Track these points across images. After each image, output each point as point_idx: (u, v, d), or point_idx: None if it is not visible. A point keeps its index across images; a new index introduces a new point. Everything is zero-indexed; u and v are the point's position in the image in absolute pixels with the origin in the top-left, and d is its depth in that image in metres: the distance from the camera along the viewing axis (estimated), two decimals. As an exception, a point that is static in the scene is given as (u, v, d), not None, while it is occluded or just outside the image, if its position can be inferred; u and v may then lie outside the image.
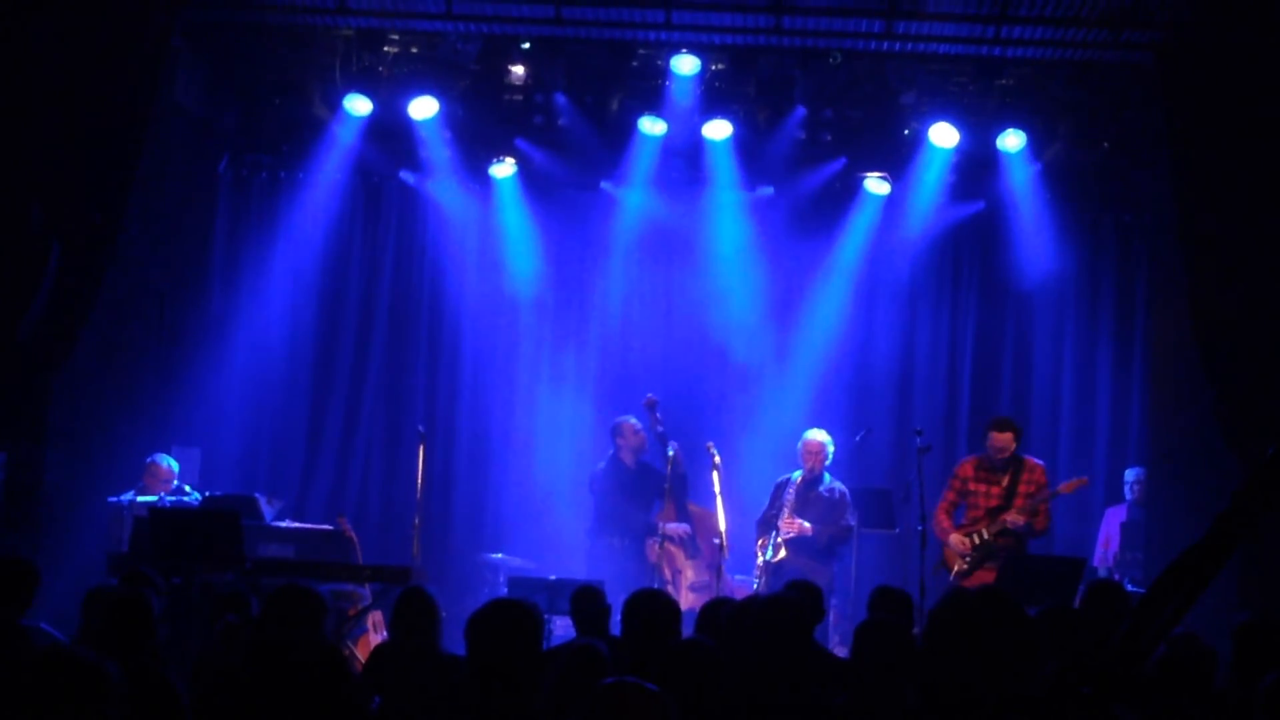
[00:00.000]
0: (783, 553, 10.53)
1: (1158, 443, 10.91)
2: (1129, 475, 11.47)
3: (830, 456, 10.82)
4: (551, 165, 12.35)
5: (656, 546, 10.83)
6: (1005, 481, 10.09)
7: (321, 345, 12.92)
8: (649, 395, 11.22)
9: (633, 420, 11.32)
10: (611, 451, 11.38)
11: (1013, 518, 9.90)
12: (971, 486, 10.22)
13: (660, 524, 10.87)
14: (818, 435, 10.86)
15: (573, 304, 13.03)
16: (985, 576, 9.70)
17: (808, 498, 10.73)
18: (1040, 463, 10.29)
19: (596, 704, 3.52)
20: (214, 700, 4.79)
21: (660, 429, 11.10)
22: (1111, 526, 11.35)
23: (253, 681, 3.64)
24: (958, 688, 2.85)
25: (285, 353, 12.77)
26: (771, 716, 4.43)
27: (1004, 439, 10.08)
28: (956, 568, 10.06)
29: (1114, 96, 11.46)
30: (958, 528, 10.17)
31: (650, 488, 11.19)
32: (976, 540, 10.03)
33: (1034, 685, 2.91)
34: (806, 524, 10.58)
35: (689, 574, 10.98)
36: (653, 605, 6.02)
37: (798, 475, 10.79)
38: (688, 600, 10.54)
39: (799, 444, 10.86)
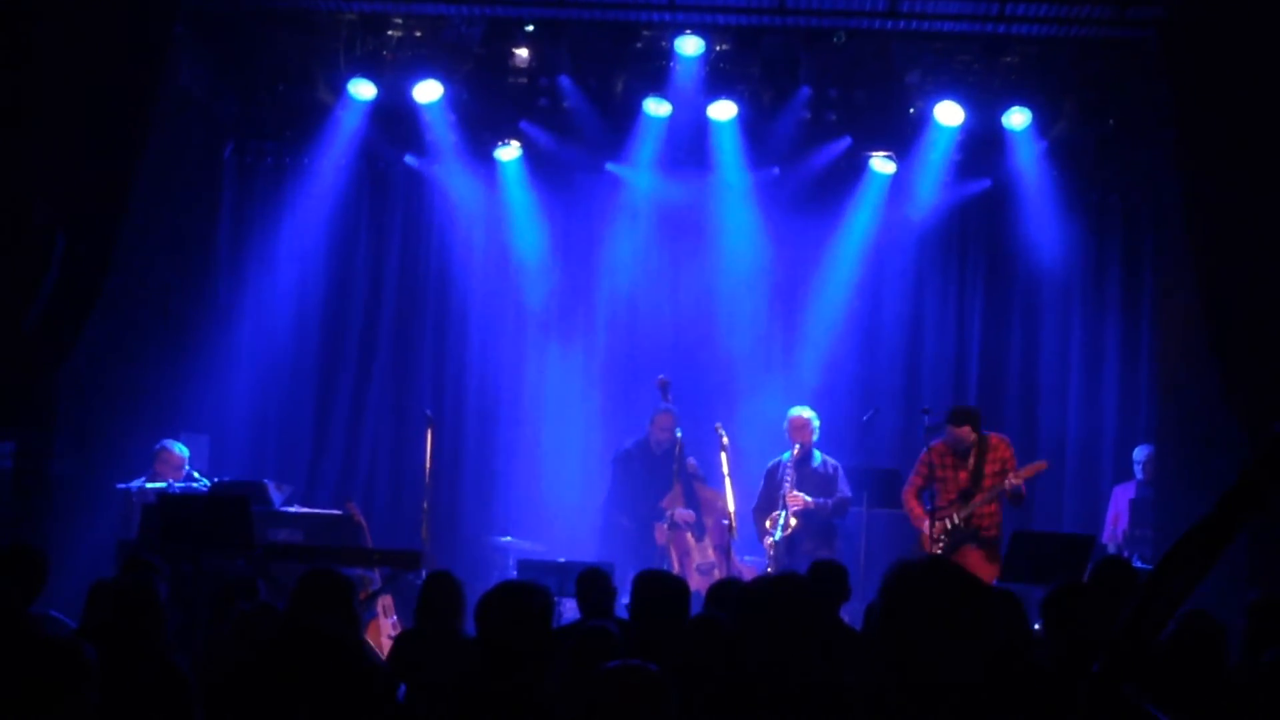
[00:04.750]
0: (793, 523, 10.55)
1: (1166, 420, 10.89)
2: (1138, 453, 11.45)
3: (817, 431, 10.85)
4: (557, 148, 12.32)
5: (665, 528, 10.86)
6: (971, 463, 10.19)
7: (328, 330, 12.91)
8: (661, 376, 11.21)
9: (668, 410, 11.23)
10: (642, 436, 11.36)
11: (1011, 480, 9.99)
12: (939, 473, 10.36)
13: (668, 509, 10.89)
14: (801, 412, 10.90)
15: (579, 286, 13.01)
16: (965, 558, 9.79)
17: (802, 475, 10.75)
18: (1003, 438, 10.45)
19: (599, 686, 3.54)
20: (230, 688, 4.79)
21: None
22: (1120, 504, 11.35)
23: (277, 668, 3.60)
24: (915, 665, 2.79)
25: (292, 338, 12.77)
26: (783, 693, 4.43)
27: (963, 432, 10.29)
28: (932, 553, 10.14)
29: (1119, 73, 11.43)
30: (929, 512, 10.26)
31: (669, 473, 11.14)
32: (949, 525, 10.14)
33: (992, 654, 2.83)
34: (809, 498, 10.61)
35: (696, 556, 10.99)
36: (662, 585, 6.03)
37: (788, 456, 10.80)
38: (695, 582, 10.55)
39: (784, 423, 10.88)
